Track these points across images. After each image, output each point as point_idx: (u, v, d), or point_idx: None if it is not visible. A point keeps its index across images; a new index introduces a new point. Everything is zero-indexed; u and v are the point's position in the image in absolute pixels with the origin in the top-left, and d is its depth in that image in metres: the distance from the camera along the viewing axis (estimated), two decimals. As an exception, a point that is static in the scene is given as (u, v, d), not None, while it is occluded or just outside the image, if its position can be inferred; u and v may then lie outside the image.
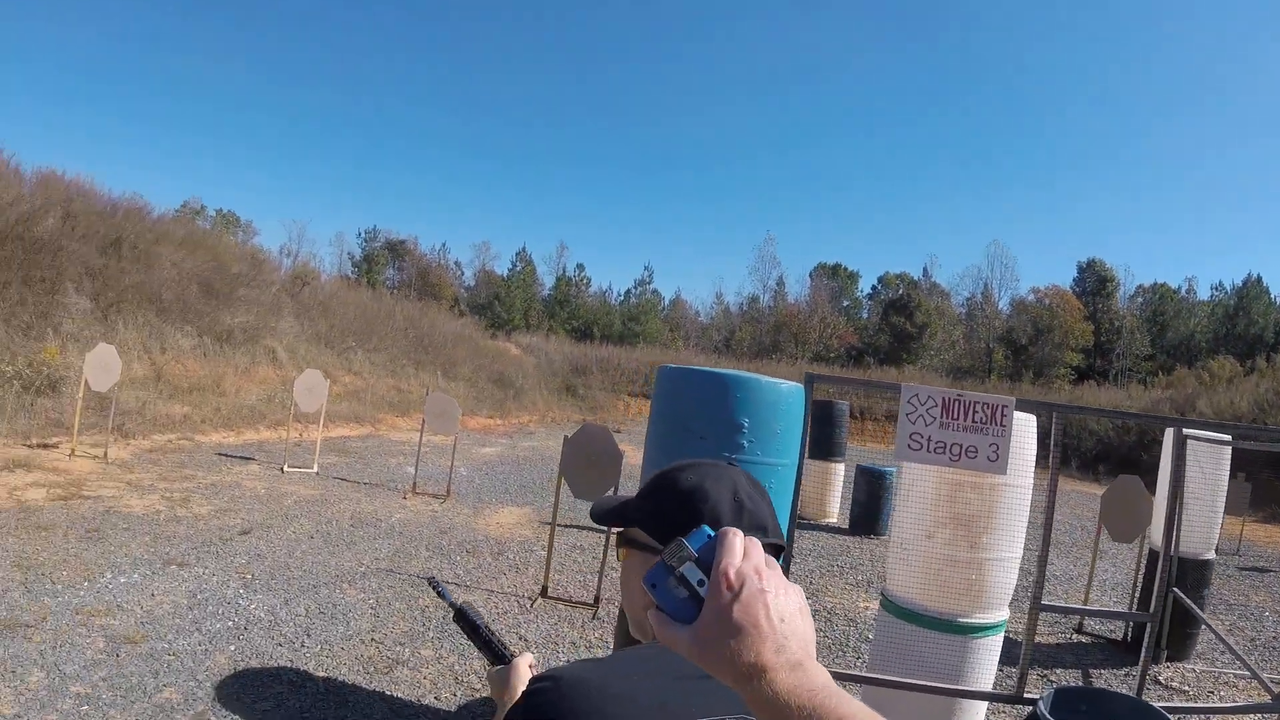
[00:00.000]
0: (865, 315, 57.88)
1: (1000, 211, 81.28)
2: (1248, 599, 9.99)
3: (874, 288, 59.56)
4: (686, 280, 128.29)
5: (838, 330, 52.45)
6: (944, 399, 3.20)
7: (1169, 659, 6.94)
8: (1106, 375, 44.64)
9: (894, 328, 51.74)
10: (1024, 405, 3.40)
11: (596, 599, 6.50)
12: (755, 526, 1.10)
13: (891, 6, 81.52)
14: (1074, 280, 54.20)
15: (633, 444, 14.23)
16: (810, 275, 59.31)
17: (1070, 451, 27.52)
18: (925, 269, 58.98)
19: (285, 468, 10.88)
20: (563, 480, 6.79)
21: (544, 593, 6.59)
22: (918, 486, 3.67)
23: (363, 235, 60.41)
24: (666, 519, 1.07)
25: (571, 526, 9.07)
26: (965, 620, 3.51)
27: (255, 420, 14.24)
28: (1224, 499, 7.12)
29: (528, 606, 6.42)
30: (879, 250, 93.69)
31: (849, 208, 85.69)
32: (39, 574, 5.62)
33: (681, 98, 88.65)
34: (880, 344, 51.61)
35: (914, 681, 3.52)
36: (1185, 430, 6.62)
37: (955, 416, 3.17)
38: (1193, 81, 76.82)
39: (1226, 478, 7.04)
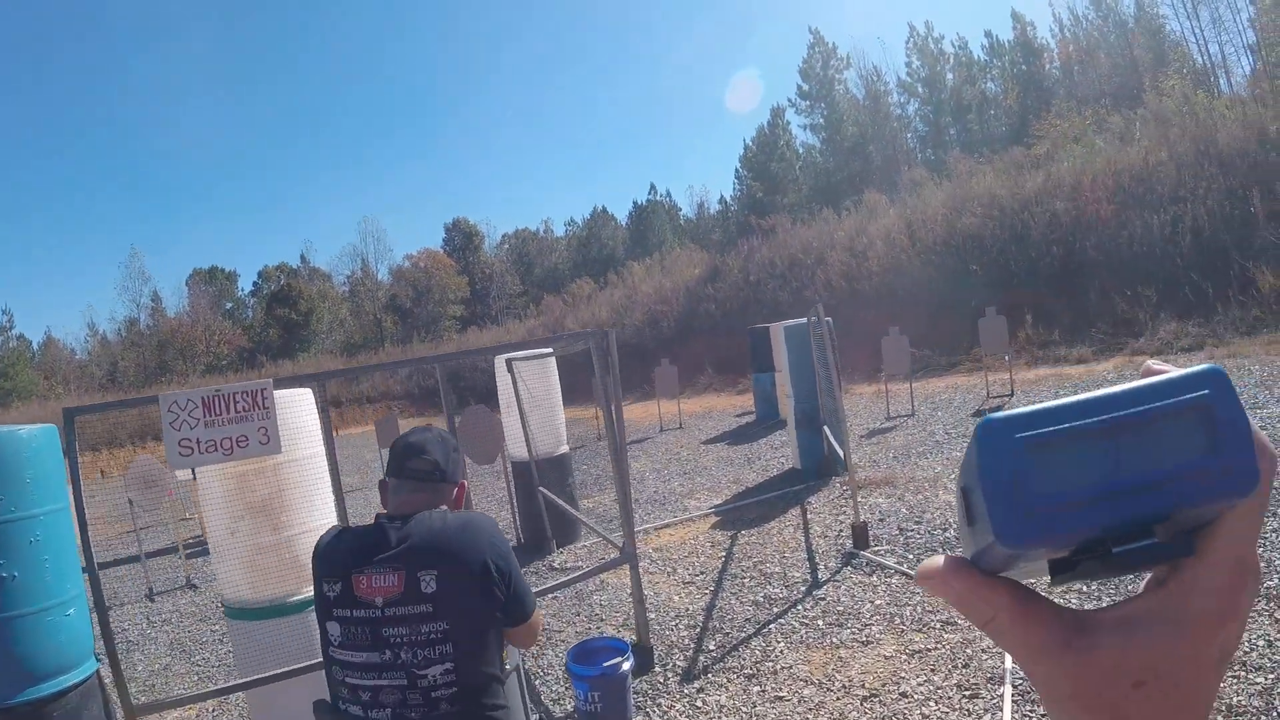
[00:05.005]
0: (250, 314, 55.04)
1: (368, 188, 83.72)
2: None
3: (255, 284, 56.87)
4: (56, 317, 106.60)
5: (225, 336, 49.10)
6: (203, 398, 3.12)
7: (560, 545, 7.97)
8: (489, 317, 49.20)
9: (281, 320, 50.21)
10: (299, 381, 3.53)
11: None
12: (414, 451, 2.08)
13: None
14: (444, 240, 58.49)
15: None
16: (187, 284, 54.22)
17: (447, 394, 30.50)
18: (303, 255, 58.19)
19: None
20: None
21: None
22: (210, 488, 3.61)
23: None
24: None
25: None
26: (298, 598, 3.57)
27: None
28: (560, 401, 8.31)
29: None
30: (254, 245, 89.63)
31: (215, 207, 79.94)
32: None
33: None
34: (271, 339, 49.70)
35: (284, 670, 3.47)
36: (507, 356, 7.57)
37: (219, 412, 3.12)
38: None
39: (558, 384, 8.20)
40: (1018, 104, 37.54)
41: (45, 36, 70.41)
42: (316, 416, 3.75)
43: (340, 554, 1.94)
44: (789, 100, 46.45)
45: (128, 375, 45.16)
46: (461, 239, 57.79)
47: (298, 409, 3.64)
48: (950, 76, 41.70)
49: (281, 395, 3.47)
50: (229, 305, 55.43)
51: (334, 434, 3.68)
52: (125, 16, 74.45)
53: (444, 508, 2.07)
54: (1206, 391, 0.34)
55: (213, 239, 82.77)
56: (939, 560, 0.41)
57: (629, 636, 5.07)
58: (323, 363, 40.32)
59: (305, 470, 3.70)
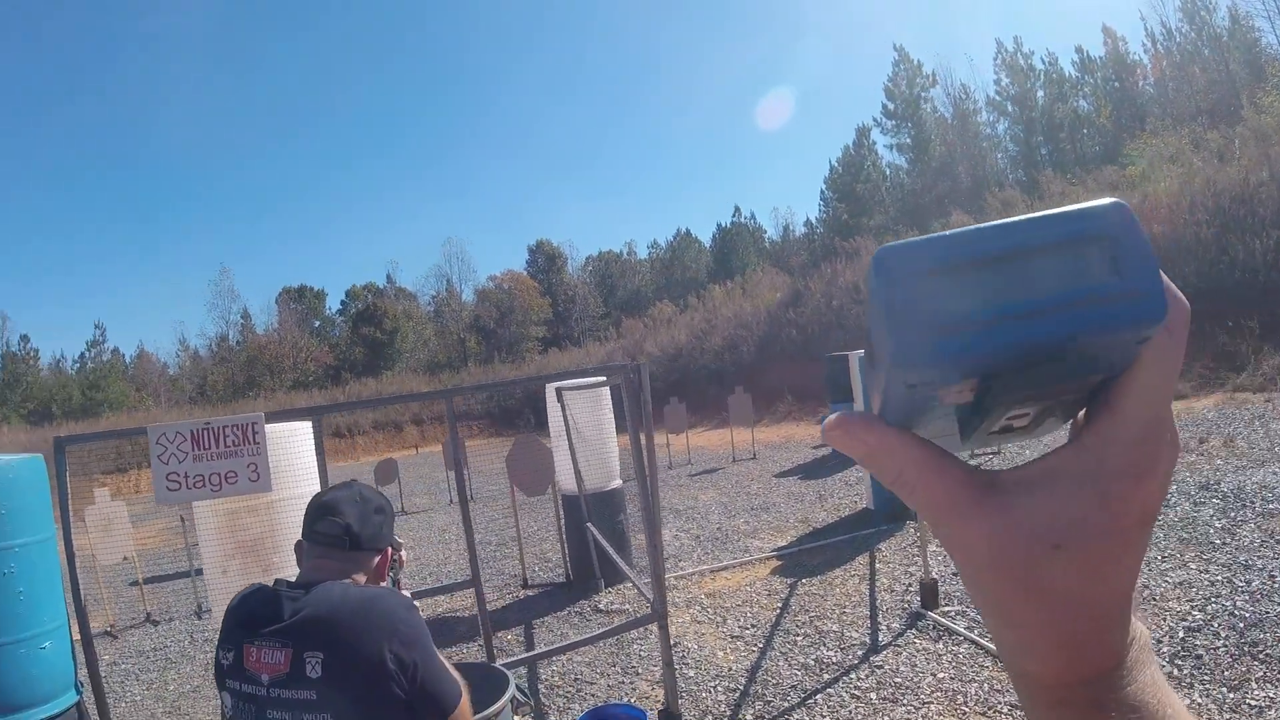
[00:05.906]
0: (337, 333, 56.65)
1: (453, 210, 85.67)
2: (697, 499, 11.58)
3: (342, 303, 58.62)
4: (148, 332, 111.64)
5: (312, 353, 50.67)
6: (192, 431, 2.90)
7: (608, 584, 7.60)
8: (570, 339, 49.40)
9: (365, 339, 51.55)
10: (289, 415, 3.28)
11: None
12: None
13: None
14: (527, 262, 59.20)
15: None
16: (276, 302, 56.27)
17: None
18: (389, 275, 59.70)
19: None
20: None
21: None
22: (205, 522, 3.43)
23: None
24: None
25: None
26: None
27: None
28: (613, 433, 7.92)
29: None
30: (342, 265, 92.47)
31: (305, 228, 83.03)
32: None
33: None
34: (356, 357, 51.03)
35: None
36: (556, 385, 7.25)
37: (207, 446, 2.89)
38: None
39: (610, 415, 7.82)
40: (1111, 122, 35.92)
41: (139, 61, 74.52)
42: (313, 453, 3.50)
43: (239, 618, 1.77)
44: (874, 119, 45.61)
45: (216, 390, 46.87)
46: (544, 260, 58.38)
47: (293, 444, 3.41)
48: (1041, 94, 40.25)
49: (276, 430, 3.26)
50: (317, 323, 57.18)
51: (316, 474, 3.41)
52: (220, 41, 78.18)
53: (358, 578, 1.86)
54: (1109, 219, 0.33)
55: (301, 258, 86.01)
56: (845, 413, 0.39)
57: (661, 696, 4.67)
58: (406, 381, 41.09)
59: (300, 509, 3.47)
